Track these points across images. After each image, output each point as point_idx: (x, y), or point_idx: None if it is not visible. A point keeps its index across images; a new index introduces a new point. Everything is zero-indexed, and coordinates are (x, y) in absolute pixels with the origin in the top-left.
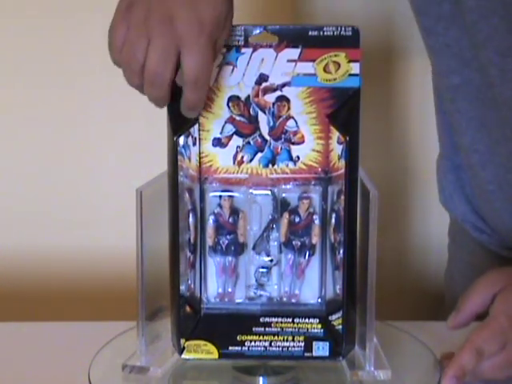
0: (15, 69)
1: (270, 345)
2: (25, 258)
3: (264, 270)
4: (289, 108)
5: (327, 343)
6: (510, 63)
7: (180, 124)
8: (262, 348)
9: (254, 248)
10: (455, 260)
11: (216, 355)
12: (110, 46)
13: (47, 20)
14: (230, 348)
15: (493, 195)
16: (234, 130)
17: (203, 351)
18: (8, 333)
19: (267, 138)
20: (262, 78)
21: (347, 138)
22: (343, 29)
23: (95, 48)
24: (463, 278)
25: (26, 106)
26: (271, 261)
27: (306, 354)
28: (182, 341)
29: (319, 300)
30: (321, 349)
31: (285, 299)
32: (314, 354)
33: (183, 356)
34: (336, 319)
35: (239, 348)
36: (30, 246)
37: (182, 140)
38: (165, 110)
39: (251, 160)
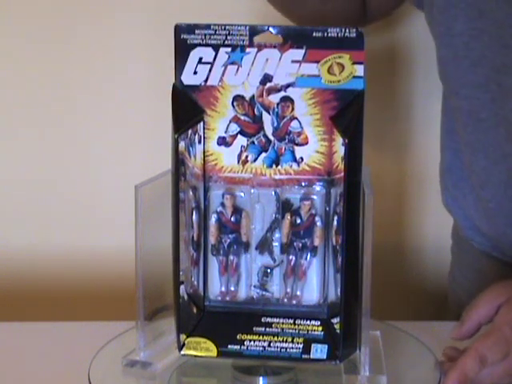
0: (15, 67)
1: (269, 345)
2: (24, 258)
3: (267, 269)
4: (293, 109)
5: (326, 346)
6: (506, 80)
7: (182, 122)
8: (261, 348)
9: (257, 248)
10: (458, 262)
11: (215, 353)
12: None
13: (48, 19)
14: (229, 346)
15: (493, 212)
16: (238, 129)
17: (202, 348)
18: (8, 333)
19: (271, 138)
20: (267, 78)
21: (346, 141)
22: (347, 30)
23: (97, 46)
24: (466, 280)
25: (25, 105)
26: (274, 261)
27: (304, 356)
28: (183, 337)
29: (321, 302)
30: (319, 351)
31: (286, 300)
32: (312, 356)
33: (182, 352)
34: (337, 322)
35: (238, 347)
36: (29, 245)
37: (188, 137)
38: (166, 108)
39: (255, 160)
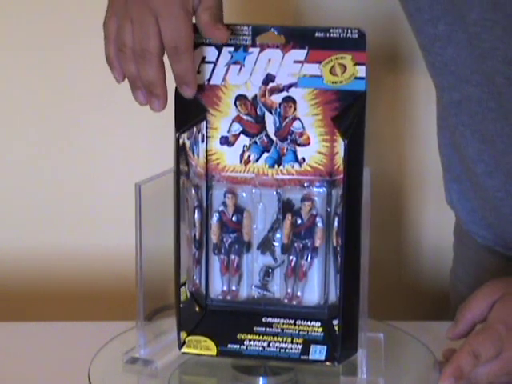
0: (14, 67)
1: (269, 345)
2: (25, 258)
3: (269, 269)
4: (295, 109)
5: (325, 347)
6: None
7: (185, 121)
8: (260, 348)
9: (258, 247)
10: (461, 259)
11: (214, 352)
12: (105, 40)
13: (47, 19)
14: (229, 346)
15: (501, 202)
16: (241, 128)
17: (202, 347)
18: (8, 333)
19: (273, 138)
20: (269, 78)
21: (345, 142)
22: (350, 31)
23: (96, 45)
24: (469, 276)
25: (25, 105)
26: (276, 261)
27: (303, 357)
28: (184, 335)
29: (322, 303)
30: (318, 352)
31: (286, 301)
32: (311, 357)
33: (182, 350)
34: (338, 324)
35: (238, 346)
36: (29, 245)
37: (192, 136)
38: (169, 107)
39: (257, 160)
